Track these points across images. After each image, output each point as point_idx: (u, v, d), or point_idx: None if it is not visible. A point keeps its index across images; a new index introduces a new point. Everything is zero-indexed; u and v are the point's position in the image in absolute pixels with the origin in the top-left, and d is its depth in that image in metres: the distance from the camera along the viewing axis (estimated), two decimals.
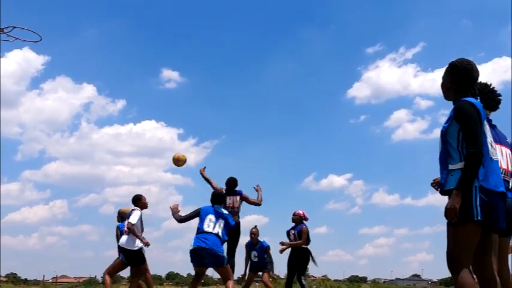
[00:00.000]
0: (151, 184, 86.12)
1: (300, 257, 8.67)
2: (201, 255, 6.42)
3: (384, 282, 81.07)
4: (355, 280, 69.42)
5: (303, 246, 8.66)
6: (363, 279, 72.21)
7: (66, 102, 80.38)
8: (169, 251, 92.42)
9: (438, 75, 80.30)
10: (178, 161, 8.66)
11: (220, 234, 6.51)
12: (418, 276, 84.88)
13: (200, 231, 6.49)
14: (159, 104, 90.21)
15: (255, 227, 9.56)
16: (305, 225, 8.83)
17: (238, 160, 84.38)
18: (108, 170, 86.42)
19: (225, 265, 6.56)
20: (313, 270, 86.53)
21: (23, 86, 79.44)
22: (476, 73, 3.37)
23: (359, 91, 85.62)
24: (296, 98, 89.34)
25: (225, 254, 6.68)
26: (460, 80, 3.35)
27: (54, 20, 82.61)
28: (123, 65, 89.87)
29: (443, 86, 3.46)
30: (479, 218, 3.05)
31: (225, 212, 6.80)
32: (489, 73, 74.80)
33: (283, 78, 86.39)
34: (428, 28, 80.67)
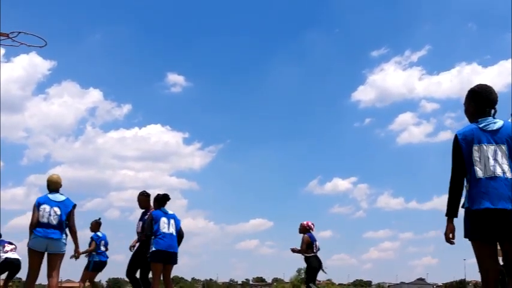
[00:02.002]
0: (156, 188, 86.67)
1: (306, 264, 9.12)
2: (170, 255, 7.03)
3: (388, 286, 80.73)
4: (360, 284, 69.31)
5: (306, 254, 9.00)
6: (368, 283, 72.07)
7: (72, 106, 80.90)
8: None
9: (444, 78, 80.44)
10: None
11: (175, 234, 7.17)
12: (423, 280, 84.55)
13: (159, 233, 7.02)
14: (165, 108, 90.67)
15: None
16: (308, 234, 9.12)
17: (243, 164, 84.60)
18: (113, 174, 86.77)
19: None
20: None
21: (29, 91, 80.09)
22: (492, 95, 3.61)
23: (364, 94, 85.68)
24: (301, 102, 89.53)
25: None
26: (478, 103, 3.62)
27: (61, 26, 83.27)
28: (129, 70, 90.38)
29: (466, 112, 3.73)
30: (475, 236, 3.40)
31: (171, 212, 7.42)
32: (495, 76, 74.90)
33: (288, 81, 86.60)
34: (433, 31, 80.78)
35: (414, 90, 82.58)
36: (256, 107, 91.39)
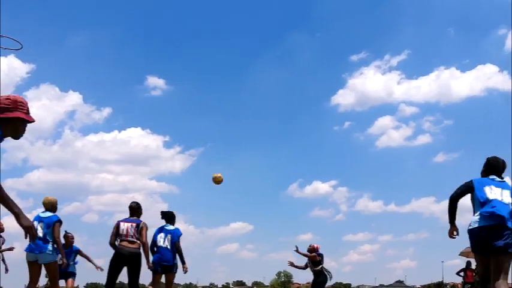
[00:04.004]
0: (136, 192, 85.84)
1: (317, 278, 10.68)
2: (163, 267, 7.97)
3: None
4: (339, 287, 69.59)
5: (315, 269, 10.58)
6: (347, 286, 72.46)
7: (51, 110, 79.85)
8: None
9: (423, 82, 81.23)
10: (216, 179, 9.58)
11: (169, 247, 8.06)
12: (401, 282, 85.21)
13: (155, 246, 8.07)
14: (145, 111, 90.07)
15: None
16: (316, 253, 10.57)
17: (224, 168, 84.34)
18: (92, 178, 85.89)
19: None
20: (297, 277, 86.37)
21: (7, 94, 78.47)
22: (499, 164, 5.23)
23: (343, 98, 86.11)
24: (281, 105, 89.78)
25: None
26: (487, 169, 5.24)
27: (40, 28, 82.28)
28: (109, 73, 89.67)
29: (482, 172, 5.30)
30: (475, 251, 5.12)
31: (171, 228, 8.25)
32: (472, 80, 75.99)
33: (269, 85, 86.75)
34: (413, 36, 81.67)
35: (393, 94, 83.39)
36: (237, 110, 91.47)
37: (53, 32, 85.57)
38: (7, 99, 3.29)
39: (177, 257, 8.11)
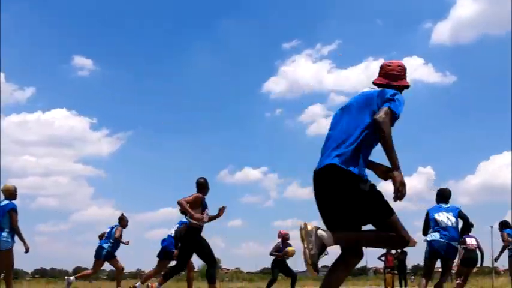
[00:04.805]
0: (60, 175, 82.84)
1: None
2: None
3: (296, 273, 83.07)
4: (268, 272, 70.79)
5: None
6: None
7: None
8: (78, 245, 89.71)
9: (352, 72, 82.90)
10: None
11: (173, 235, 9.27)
12: (328, 267, 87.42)
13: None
14: (71, 92, 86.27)
15: None
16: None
17: (153, 152, 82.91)
18: (13, 160, 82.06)
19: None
20: (225, 262, 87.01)
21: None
22: (445, 195, 7.53)
23: (275, 85, 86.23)
24: (212, 91, 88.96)
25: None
26: (439, 198, 7.53)
27: None
28: (33, 52, 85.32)
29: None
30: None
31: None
32: None
33: (200, 71, 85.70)
34: (343, 26, 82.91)
35: (324, 83, 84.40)
36: (168, 95, 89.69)
37: None
38: (399, 66, 3.37)
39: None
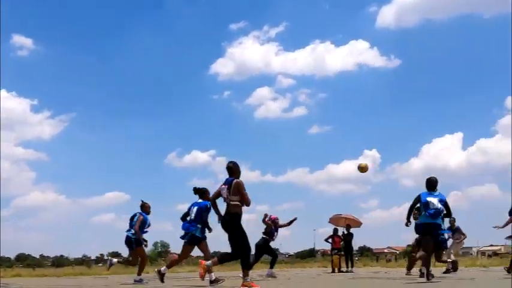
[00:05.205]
0: None
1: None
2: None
3: None
4: (212, 255, 70.90)
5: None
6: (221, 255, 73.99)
7: None
8: (21, 231, 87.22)
9: (299, 54, 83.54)
10: (363, 169, 10.13)
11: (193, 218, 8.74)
12: (277, 250, 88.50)
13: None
14: (10, 72, 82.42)
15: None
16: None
17: (98, 135, 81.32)
18: None
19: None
20: (174, 247, 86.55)
21: None
22: (432, 183, 8.56)
23: (223, 67, 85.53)
24: (159, 71, 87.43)
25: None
26: (427, 186, 8.55)
27: None
28: None
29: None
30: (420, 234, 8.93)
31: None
32: (346, 55, 79.47)
33: (146, 50, 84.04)
34: (291, 8, 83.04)
35: (271, 65, 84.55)
36: (113, 76, 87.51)
37: None
38: None
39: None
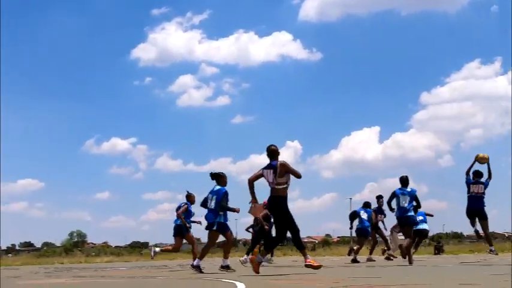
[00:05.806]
0: None
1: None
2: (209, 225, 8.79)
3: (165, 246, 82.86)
4: (136, 246, 69.78)
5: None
6: (145, 245, 72.98)
7: None
8: None
9: (223, 43, 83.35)
10: (483, 159, 10.32)
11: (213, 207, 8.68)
12: (198, 240, 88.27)
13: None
14: None
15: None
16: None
17: (10, 120, 76.97)
18: None
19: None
20: (91, 237, 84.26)
21: None
22: (405, 183, 10.61)
23: (144, 52, 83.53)
24: (77, 55, 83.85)
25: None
26: (401, 182, 10.64)
27: None
28: None
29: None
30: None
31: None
32: (269, 46, 79.92)
33: (64, 33, 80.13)
34: None
35: (194, 53, 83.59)
36: (28, 57, 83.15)
37: None
38: None
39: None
